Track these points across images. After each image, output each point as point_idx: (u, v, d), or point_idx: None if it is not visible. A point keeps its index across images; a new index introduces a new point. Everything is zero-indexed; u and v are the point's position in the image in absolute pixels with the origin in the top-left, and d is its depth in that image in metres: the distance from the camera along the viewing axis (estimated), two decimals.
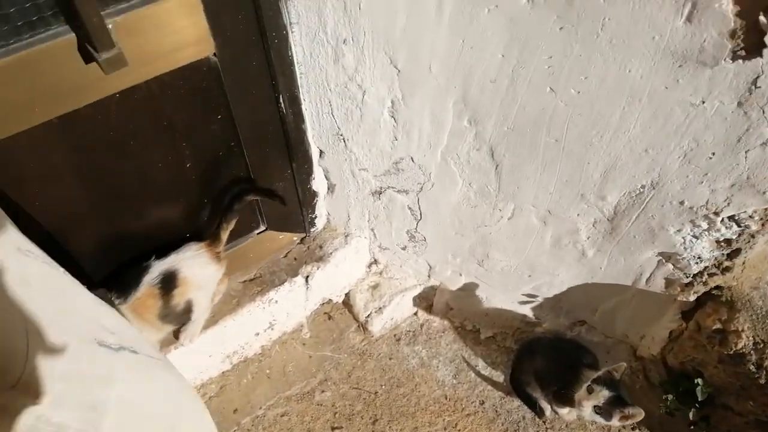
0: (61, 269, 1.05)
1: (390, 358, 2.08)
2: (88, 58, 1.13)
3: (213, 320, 1.82)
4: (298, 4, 1.31)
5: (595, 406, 1.67)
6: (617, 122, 1.26)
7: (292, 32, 1.37)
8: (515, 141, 1.42)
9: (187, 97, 1.35)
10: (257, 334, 2.00)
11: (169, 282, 1.53)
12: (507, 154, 1.47)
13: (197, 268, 1.59)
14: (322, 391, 2.00)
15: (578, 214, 1.55)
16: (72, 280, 1.07)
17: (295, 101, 1.54)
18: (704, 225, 1.39)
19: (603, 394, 1.66)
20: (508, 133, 1.41)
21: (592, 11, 1.09)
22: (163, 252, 1.57)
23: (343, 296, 2.17)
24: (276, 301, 1.93)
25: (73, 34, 1.09)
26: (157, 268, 1.53)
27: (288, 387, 2.00)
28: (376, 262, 2.14)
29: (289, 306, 2.00)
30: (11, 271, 0.82)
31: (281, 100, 1.50)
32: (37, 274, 0.93)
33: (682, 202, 1.36)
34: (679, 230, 1.44)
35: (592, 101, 1.24)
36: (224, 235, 1.65)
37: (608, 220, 1.53)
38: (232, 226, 1.66)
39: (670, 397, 1.74)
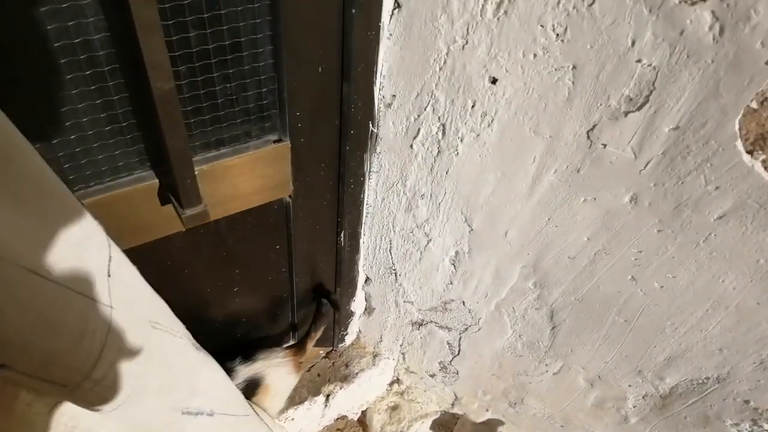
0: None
1: None
2: (165, 201, 1.07)
3: None
4: (382, 157, 1.27)
5: None
6: (696, 321, 1.22)
7: (369, 179, 1.33)
8: (580, 311, 1.38)
9: (251, 232, 1.30)
10: None
11: (252, 387, 1.45)
12: (568, 320, 1.42)
13: (280, 377, 1.51)
14: None
15: (630, 386, 1.50)
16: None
17: (354, 236, 1.49)
18: (767, 426, 1.34)
19: None
20: (575, 303, 1.37)
21: (699, 225, 1.06)
22: (247, 353, 1.50)
23: (359, 413, 2.07)
24: (293, 419, 1.83)
25: (156, 181, 1.04)
26: (244, 372, 1.45)
27: None
28: (398, 381, 2.06)
29: (304, 422, 1.90)
30: None
31: (342, 235, 1.45)
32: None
33: (747, 401, 1.31)
34: (737, 424, 1.39)
35: (674, 297, 1.20)
36: (310, 345, 1.58)
37: (661, 397, 1.47)
38: (319, 335, 1.59)
39: None
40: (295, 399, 1.80)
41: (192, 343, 1.04)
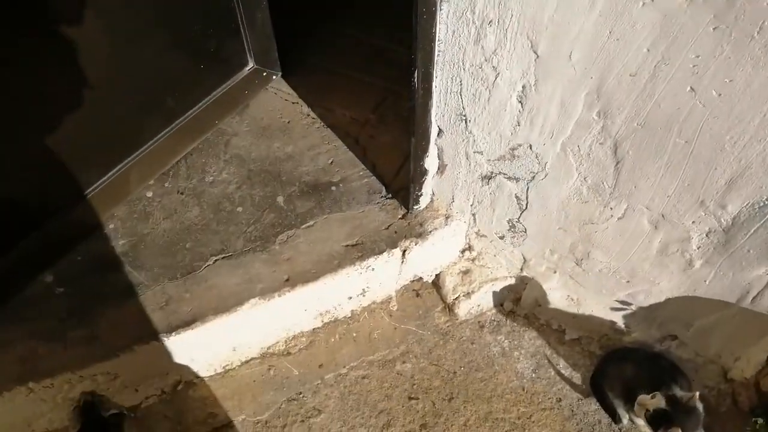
0: None
1: (472, 343, 2.13)
2: None
3: (314, 276, 1.93)
4: None
5: (646, 411, 1.68)
6: (755, 129, 1.26)
7: (440, 9, 1.45)
8: (642, 138, 1.44)
9: None
10: (350, 297, 2.10)
11: None
12: (631, 151, 1.49)
13: None
14: (403, 362, 2.07)
15: (693, 222, 1.55)
16: None
17: (428, 77, 1.62)
18: None
19: (658, 403, 1.67)
20: (637, 129, 1.43)
21: (752, 14, 1.10)
22: None
23: (433, 276, 2.23)
24: (373, 269, 2.02)
25: None
26: None
27: (372, 352, 2.08)
28: (470, 248, 2.20)
29: (383, 276, 2.08)
30: None
31: (416, 75, 1.58)
32: None
33: None
34: None
35: (733, 105, 1.25)
36: None
37: (724, 231, 1.51)
38: None
39: (759, 420, 1.70)
40: (375, 249, 1.99)
41: None
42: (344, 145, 2.27)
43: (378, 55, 2.55)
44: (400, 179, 2.14)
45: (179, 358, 1.89)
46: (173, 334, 1.81)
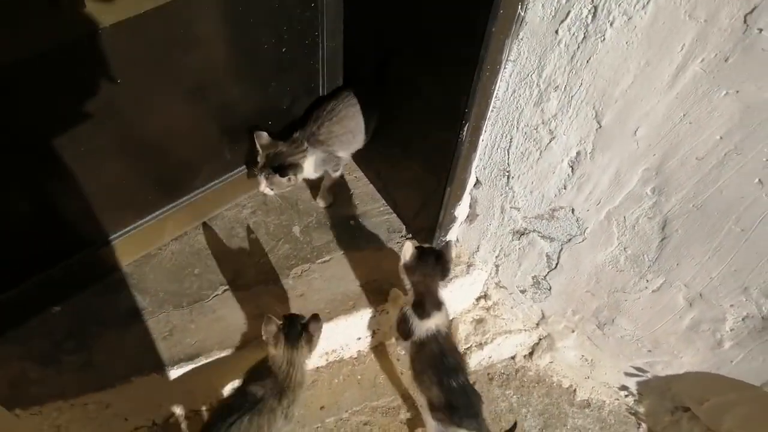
0: None
1: None
2: None
3: (328, 316, 1.85)
4: (523, 44, 1.33)
5: None
6: None
7: (504, 68, 1.39)
8: (695, 220, 1.41)
9: None
10: (359, 338, 2.02)
11: None
12: (680, 230, 1.45)
13: None
14: (407, 411, 2.00)
15: (732, 305, 1.52)
16: None
17: (477, 131, 1.57)
18: None
19: None
20: (692, 210, 1.40)
21: None
22: None
23: None
24: (387, 312, 1.95)
25: None
26: None
27: (376, 398, 2.01)
28: (486, 296, 2.14)
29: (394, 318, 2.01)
30: None
31: (465, 128, 1.52)
32: None
33: None
34: None
35: None
36: None
37: (762, 318, 1.49)
38: None
39: None
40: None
41: None
42: (365, 177, 2.19)
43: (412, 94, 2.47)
44: (421, 220, 2.07)
45: (178, 391, 1.79)
46: (175, 367, 1.72)
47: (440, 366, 1.64)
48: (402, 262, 1.68)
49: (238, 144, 1.92)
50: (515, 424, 1.72)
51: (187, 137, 1.76)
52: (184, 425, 1.89)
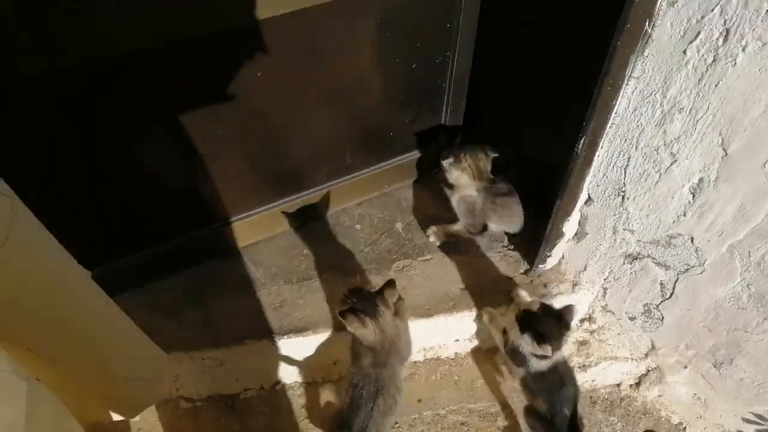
0: None
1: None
2: None
3: (428, 312, 1.90)
4: (648, 62, 1.28)
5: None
6: None
7: (626, 84, 1.35)
8: None
9: None
10: (457, 340, 2.06)
11: None
12: None
13: None
14: (506, 419, 2.00)
15: None
16: None
17: (593, 146, 1.53)
18: None
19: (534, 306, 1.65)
20: None
21: None
22: None
23: None
24: (489, 318, 1.96)
25: None
26: None
27: (474, 401, 2.03)
28: (591, 319, 2.07)
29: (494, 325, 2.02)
30: None
31: (582, 142, 1.49)
32: None
33: None
34: None
35: None
36: None
37: None
38: None
39: None
40: (493, 300, 1.93)
41: None
42: None
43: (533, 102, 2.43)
44: (525, 232, 2.04)
45: (285, 360, 1.94)
46: (285, 337, 1.85)
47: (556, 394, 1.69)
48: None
49: (360, 148, 2.03)
50: None
51: (312, 137, 1.89)
52: (289, 393, 2.05)
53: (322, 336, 1.88)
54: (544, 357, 1.64)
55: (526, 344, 1.65)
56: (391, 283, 1.60)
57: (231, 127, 1.66)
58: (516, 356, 1.74)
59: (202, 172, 1.73)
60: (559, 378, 1.70)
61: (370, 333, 1.56)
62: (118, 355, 1.51)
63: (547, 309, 1.66)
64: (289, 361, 1.96)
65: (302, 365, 1.99)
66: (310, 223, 2.12)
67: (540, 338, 1.58)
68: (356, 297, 1.57)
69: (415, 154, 2.19)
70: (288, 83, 1.66)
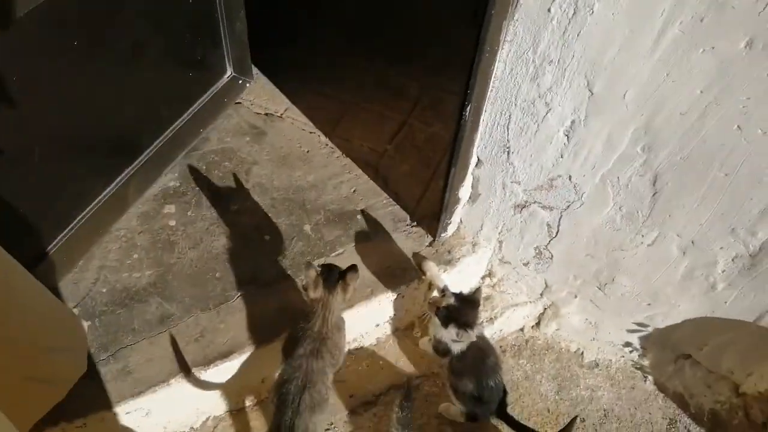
0: None
1: None
2: None
3: (349, 304, 1.93)
4: (518, 24, 1.47)
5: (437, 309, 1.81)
6: None
7: (502, 49, 1.53)
8: (683, 171, 1.56)
9: None
10: (377, 325, 2.11)
11: None
12: (670, 182, 1.61)
13: None
14: (431, 387, 2.09)
15: (722, 248, 1.68)
16: None
17: (477, 112, 1.70)
18: None
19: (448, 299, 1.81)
20: (679, 163, 1.55)
21: None
22: None
23: None
24: (403, 296, 2.05)
25: None
26: None
27: (399, 379, 2.09)
28: (490, 275, 2.26)
29: (410, 302, 2.11)
30: None
31: (467, 110, 1.65)
32: None
33: None
34: None
35: None
36: None
37: (750, 256, 1.65)
38: None
39: None
40: (405, 277, 2.02)
41: None
42: (365, 175, 2.30)
43: (389, 86, 2.60)
44: (423, 207, 2.19)
45: (213, 388, 1.84)
46: (210, 366, 1.77)
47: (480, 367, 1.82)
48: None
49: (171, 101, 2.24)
50: (575, 418, 1.83)
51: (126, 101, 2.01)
52: (221, 426, 1.93)
53: (248, 354, 1.82)
54: (462, 339, 1.77)
55: (449, 335, 1.78)
56: (353, 268, 1.67)
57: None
58: (439, 347, 1.87)
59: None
60: (479, 350, 1.84)
61: (316, 302, 1.64)
62: (39, 325, 1.45)
63: (459, 297, 1.81)
64: (217, 388, 1.85)
65: (230, 391, 1.90)
66: (213, 236, 2.05)
67: (462, 326, 1.73)
68: (327, 269, 1.68)
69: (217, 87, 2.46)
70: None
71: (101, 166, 2.03)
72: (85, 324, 1.79)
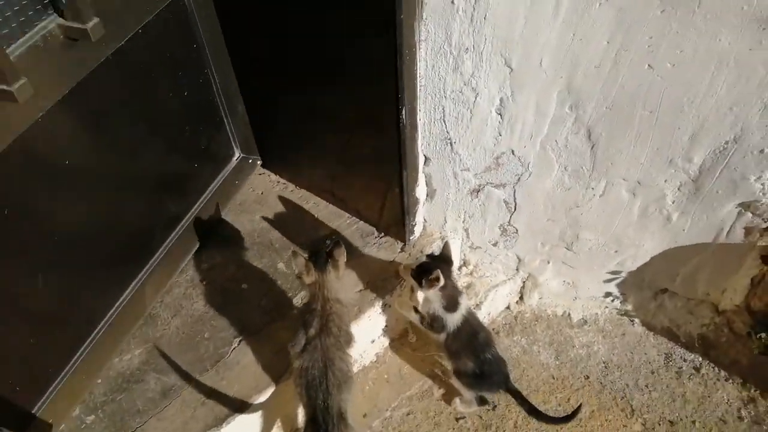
0: None
1: None
2: None
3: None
4: (429, 21, 1.56)
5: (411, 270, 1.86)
6: (706, 87, 1.52)
7: (419, 48, 1.62)
8: (612, 119, 1.67)
9: None
10: (373, 341, 2.14)
11: None
12: (603, 132, 1.71)
13: None
14: (439, 388, 2.13)
15: (666, 180, 1.79)
16: None
17: (413, 112, 1.77)
18: None
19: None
20: (606, 112, 1.66)
21: None
22: None
23: None
24: (389, 306, 2.08)
25: None
26: None
27: (408, 388, 2.12)
28: (465, 263, 2.33)
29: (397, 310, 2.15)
30: None
31: (403, 112, 1.72)
32: None
33: (762, 151, 1.61)
34: (758, 178, 1.68)
35: (685, 71, 1.50)
36: None
37: (693, 180, 1.76)
38: None
39: (763, 335, 1.94)
40: (387, 287, 2.06)
41: None
42: (323, 201, 2.34)
43: (325, 115, 2.65)
44: (386, 217, 2.23)
45: None
46: (224, 424, 1.76)
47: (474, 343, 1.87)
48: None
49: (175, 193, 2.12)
50: (580, 406, 1.86)
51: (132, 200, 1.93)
52: None
53: (265, 395, 1.83)
54: (452, 306, 1.83)
55: (437, 303, 1.82)
56: (337, 243, 1.74)
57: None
58: (435, 323, 1.89)
59: None
60: (471, 328, 1.89)
61: (313, 285, 1.71)
62: None
63: (430, 256, 1.90)
64: None
65: None
66: (192, 299, 2.06)
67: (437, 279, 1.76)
68: (314, 252, 1.74)
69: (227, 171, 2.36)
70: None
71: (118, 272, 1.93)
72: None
